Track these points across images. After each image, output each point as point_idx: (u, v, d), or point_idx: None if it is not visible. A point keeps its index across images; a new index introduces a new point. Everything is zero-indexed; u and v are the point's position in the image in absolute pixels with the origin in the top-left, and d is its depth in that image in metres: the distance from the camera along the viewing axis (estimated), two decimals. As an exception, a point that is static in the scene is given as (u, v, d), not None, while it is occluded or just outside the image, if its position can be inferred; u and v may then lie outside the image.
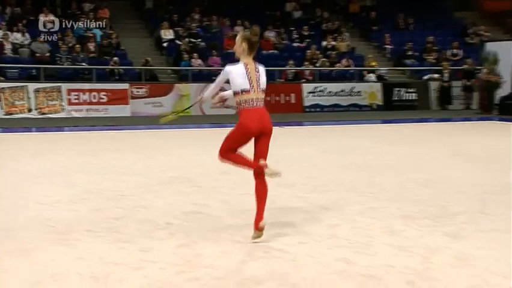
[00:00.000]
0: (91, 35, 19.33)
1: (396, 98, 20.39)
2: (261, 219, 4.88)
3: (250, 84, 4.87)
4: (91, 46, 18.96)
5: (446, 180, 7.85)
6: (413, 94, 20.60)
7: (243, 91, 4.86)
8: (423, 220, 5.77)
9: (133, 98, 17.58)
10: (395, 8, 24.59)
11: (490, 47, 19.65)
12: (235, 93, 4.92)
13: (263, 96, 4.98)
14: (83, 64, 18.29)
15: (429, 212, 6.10)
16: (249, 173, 5.06)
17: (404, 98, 20.49)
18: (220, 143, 5.07)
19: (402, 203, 6.53)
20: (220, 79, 5.01)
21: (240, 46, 4.93)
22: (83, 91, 17.21)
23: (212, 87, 5.17)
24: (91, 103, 17.21)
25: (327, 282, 4.13)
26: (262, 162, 4.90)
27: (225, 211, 6.13)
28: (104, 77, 18.18)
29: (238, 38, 4.97)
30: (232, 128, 5.02)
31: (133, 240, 5.05)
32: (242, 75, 4.87)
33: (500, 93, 18.67)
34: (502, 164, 9.17)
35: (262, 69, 5.03)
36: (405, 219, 5.82)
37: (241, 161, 5.02)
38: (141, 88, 17.76)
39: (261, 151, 4.97)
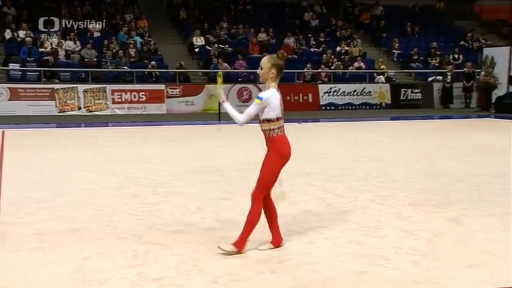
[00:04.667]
0: (132, 42, 19.50)
1: (403, 98, 20.12)
2: (281, 238, 4.41)
3: (282, 110, 4.17)
4: (132, 52, 19.12)
5: (449, 171, 7.71)
6: (418, 94, 20.31)
7: (278, 118, 4.13)
8: (428, 207, 5.67)
9: (168, 97, 17.69)
10: (402, 17, 24.28)
11: (488, 52, 19.34)
12: (269, 120, 4.11)
13: None
14: (125, 67, 18.46)
15: (433, 200, 5.99)
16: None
17: (410, 98, 20.22)
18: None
19: (409, 191, 6.42)
20: (257, 109, 4.09)
21: (269, 71, 4.14)
22: (125, 91, 17.38)
23: (239, 116, 4.14)
24: (131, 102, 17.37)
25: (340, 261, 4.07)
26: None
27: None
28: (143, 79, 18.33)
29: (266, 63, 4.16)
30: (266, 163, 4.15)
31: (168, 223, 5.03)
32: (279, 101, 4.14)
33: (497, 93, 18.37)
34: (498, 156, 8.99)
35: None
36: (412, 206, 5.72)
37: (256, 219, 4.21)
38: (175, 88, 17.83)
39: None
